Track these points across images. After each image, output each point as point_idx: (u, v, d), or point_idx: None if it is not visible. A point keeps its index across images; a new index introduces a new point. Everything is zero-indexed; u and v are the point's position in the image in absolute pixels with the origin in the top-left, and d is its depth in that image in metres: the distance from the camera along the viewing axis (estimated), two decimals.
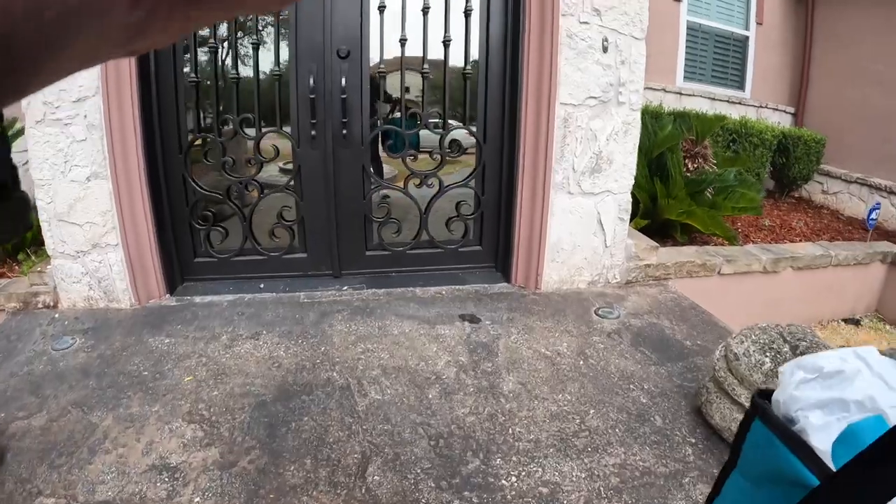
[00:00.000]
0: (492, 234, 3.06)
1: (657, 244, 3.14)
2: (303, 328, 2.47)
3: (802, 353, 1.78)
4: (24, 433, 1.79)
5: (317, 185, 2.83)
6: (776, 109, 6.66)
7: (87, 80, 2.36)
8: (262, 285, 2.87)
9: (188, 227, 2.79)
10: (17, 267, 3.04)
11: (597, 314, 2.66)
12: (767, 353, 1.76)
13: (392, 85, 2.91)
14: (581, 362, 2.24)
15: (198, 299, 2.71)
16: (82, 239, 2.52)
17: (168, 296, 2.72)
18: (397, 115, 2.98)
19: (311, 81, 2.63)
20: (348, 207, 2.89)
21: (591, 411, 1.95)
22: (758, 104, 6.52)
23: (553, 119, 2.67)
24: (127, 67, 2.40)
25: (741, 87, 6.69)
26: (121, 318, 2.55)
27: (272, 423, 1.85)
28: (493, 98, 2.86)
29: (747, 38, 6.56)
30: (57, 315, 2.60)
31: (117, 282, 2.56)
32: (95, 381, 2.09)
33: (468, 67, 2.82)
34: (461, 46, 2.83)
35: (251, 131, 2.74)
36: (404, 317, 2.59)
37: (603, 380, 2.14)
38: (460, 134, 2.93)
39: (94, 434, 1.78)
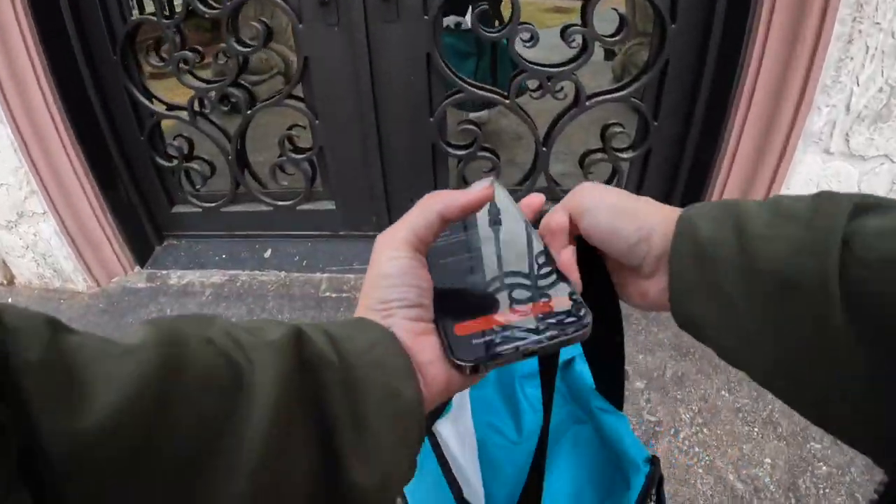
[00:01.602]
0: (660, 188, 1.86)
1: None
2: None
3: None
4: None
5: (341, 91, 1.76)
6: None
7: None
8: (267, 252, 1.91)
9: (151, 165, 1.87)
10: None
11: None
12: None
13: None
14: None
15: (174, 278, 1.94)
16: (6, 206, 1.84)
17: (138, 269, 1.99)
18: None
19: None
20: (403, 130, 1.82)
21: None
22: None
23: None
24: None
25: None
26: (73, 311, 1.92)
27: None
28: None
29: None
30: (10, 299, 2.06)
31: (62, 260, 1.83)
32: None
33: None
34: None
35: None
36: None
37: None
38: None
39: None
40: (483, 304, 0.38)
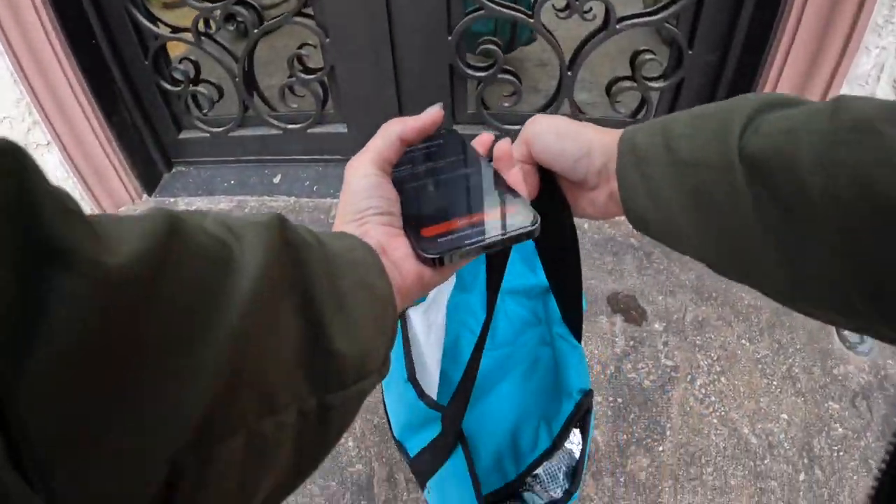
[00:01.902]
0: None
1: None
2: None
3: None
4: None
5: (353, 7, 1.64)
6: None
7: None
8: (277, 177, 1.88)
9: (157, 90, 1.82)
10: None
11: (840, 338, 1.44)
12: None
13: None
14: (803, 476, 1.21)
15: (182, 206, 1.96)
16: (11, 138, 1.62)
17: (146, 197, 1.96)
18: None
19: None
20: (418, 49, 1.72)
21: None
22: None
23: None
24: None
25: None
26: None
27: None
28: None
29: None
30: None
31: (68, 190, 1.69)
32: None
33: None
34: None
35: None
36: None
37: None
38: None
39: None
40: (445, 213, 0.44)
